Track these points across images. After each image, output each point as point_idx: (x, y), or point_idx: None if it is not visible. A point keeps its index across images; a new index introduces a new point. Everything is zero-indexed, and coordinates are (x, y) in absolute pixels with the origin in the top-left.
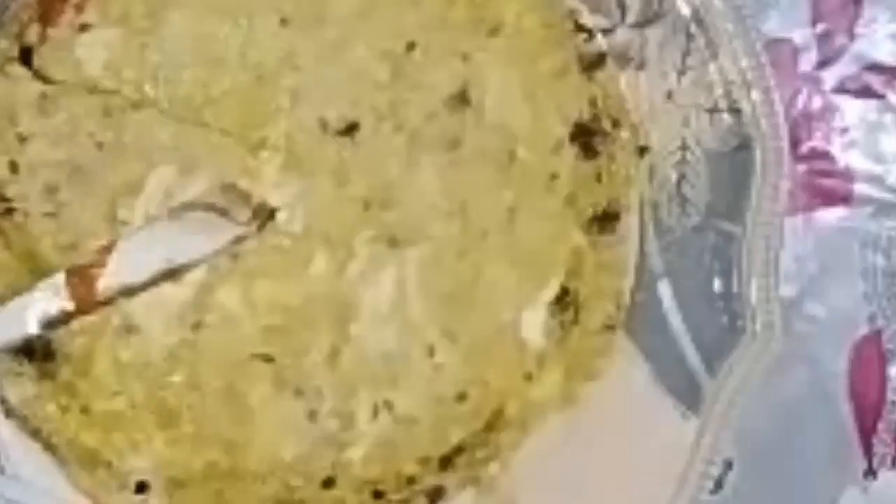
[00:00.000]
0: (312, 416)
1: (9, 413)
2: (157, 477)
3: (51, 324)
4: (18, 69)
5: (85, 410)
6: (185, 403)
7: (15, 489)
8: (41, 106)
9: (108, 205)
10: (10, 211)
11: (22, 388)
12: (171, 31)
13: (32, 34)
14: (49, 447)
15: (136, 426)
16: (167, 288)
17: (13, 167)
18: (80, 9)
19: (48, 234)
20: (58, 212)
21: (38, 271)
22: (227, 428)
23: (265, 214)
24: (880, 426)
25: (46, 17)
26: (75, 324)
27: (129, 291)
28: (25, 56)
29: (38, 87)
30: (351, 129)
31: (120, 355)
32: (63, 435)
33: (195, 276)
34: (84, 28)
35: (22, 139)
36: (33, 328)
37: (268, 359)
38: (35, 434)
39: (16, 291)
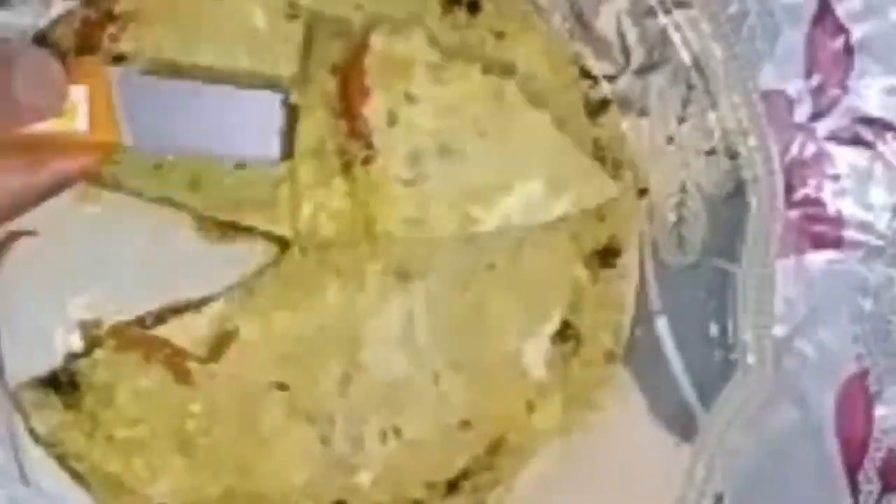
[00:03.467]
0: (325, 441)
1: (37, 441)
2: (176, 502)
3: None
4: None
5: (108, 438)
6: (202, 431)
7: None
8: (436, 74)
9: (463, 197)
10: (368, 161)
11: (48, 417)
12: (201, 64)
13: None
14: (74, 473)
15: (156, 453)
16: (187, 318)
17: (392, 119)
18: (115, 39)
19: (396, 202)
20: (415, 183)
21: (371, 237)
22: (242, 454)
23: (281, 247)
24: (866, 464)
25: (84, 47)
26: (99, 354)
27: None
28: None
29: (437, 55)
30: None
31: (141, 384)
32: (87, 462)
33: (213, 308)
34: (119, 59)
35: (409, 98)
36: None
37: (282, 387)
38: (61, 461)
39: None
